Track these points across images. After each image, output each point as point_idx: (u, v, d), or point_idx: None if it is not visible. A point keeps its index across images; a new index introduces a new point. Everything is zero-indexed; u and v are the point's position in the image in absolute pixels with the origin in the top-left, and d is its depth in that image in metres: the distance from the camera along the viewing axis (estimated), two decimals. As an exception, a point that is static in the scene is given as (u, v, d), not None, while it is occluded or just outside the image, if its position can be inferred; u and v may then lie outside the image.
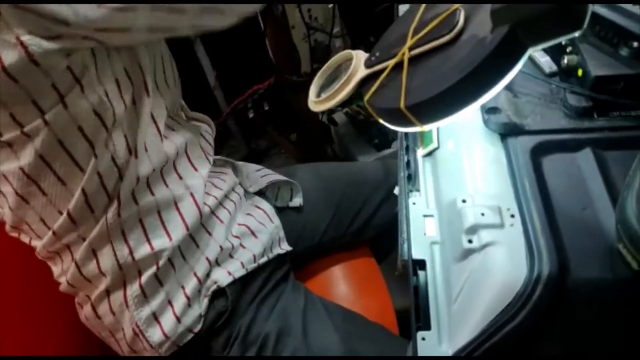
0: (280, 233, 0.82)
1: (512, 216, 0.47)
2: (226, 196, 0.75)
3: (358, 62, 0.48)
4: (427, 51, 0.42)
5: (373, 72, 0.47)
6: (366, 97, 0.46)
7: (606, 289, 0.41)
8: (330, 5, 1.36)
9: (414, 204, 0.56)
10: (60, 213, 0.56)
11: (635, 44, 0.51)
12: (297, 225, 0.89)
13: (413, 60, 0.43)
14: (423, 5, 0.48)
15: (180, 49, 1.69)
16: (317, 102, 0.51)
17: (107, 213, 0.57)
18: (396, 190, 0.60)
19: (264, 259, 0.74)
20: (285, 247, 0.81)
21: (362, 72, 0.48)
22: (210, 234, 0.69)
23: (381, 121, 0.46)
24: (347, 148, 1.63)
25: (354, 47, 1.47)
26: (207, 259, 0.67)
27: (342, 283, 0.94)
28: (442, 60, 0.40)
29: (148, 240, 0.61)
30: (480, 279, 0.45)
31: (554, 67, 0.57)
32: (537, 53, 0.59)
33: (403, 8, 0.83)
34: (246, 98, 1.78)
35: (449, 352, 0.44)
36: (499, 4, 0.36)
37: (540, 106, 0.54)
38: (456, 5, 0.42)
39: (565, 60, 0.55)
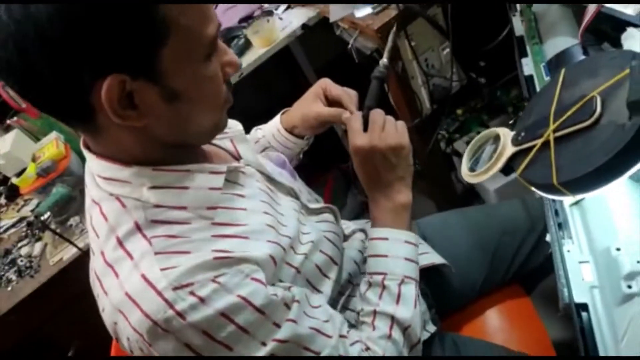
0: (425, 316, 0.86)
1: (668, 262, 0.52)
2: None
3: (506, 140, 0.58)
4: (570, 133, 0.50)
5: (521, 149, 0.56)
6: (518, 172, 0.56)
7: None
8: (447, 51, 1.46)
9: (568, 251, 0.63)
10: None
11: None
12: (452, 284, 0.96)
13: (557, 139, 0.52)
14: (559, 86, 0.56)
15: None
16: (472, 175, 0.61)
17: None
18: (548, 238, 0.67)
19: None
20: (430, 330, 0.86)
21: (510, 149, 0.57)
22: None
23: (533, 189, 0.55)
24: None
25: (469, 85, 1.54)
26: None
27: (498, 323, 0.99)
28: (585, 142, 0.49)
29: None
30: (644, 320, 0.51)
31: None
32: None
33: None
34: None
35: (623, 387, 0.50)
36: (635, 95, 0.44)
37: (683, 153, 0.59)
38: (593, 93, 0.50)
39: None
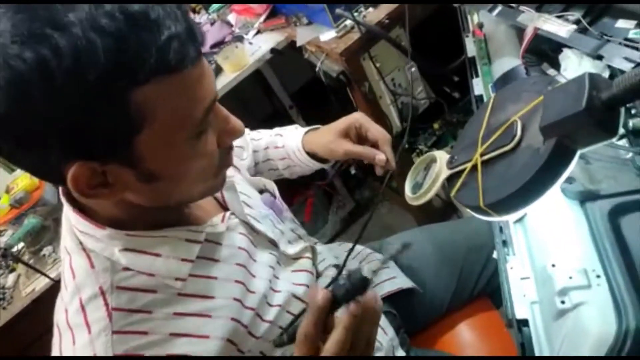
0: (394, 342, 0.86)
1: (598, 276, 0.54)
2: None
3: (441, 163, 0.60)
4: (495, 156, 0.53)
5: (454, 172, 0.58)
6: (452, 194, 0.58)
7: (693, 338, 0.47)
8: (413, 70, 1.49)
9: (511, 268, 0.65)
10: None
11: (694, 104, 0.57)
12: (420, 303, 0.97)
13: (485, 162, 0.54)
14: (488, 110, 0.59)
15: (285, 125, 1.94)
16: (412, 197, 0.63)
17: None
18: (495, 255, 0.69)
19: None
20: (400, 354, 0.86)
21: (445, 172, 0.59)
22: None
23: (467, 210, 0.57)
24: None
25: (437, 102, 1.57)
26: None
27: (467, 337, 1.00)
28: (508, 165, 0.51)
29: None
30: (576, 335, 0.52)
31: (622, 130, 0.64)
32: (604, 118, 0.66)
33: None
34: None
35: (558, 401, 0.52)
36: (546, 120, 0.46)
37: (612, 170, 0.61)
38: (514, 118, 0.52)
39: (631, 123, 0.62)
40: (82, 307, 0.56)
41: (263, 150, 0.97)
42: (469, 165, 0.55)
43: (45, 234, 1.30)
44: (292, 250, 0.78)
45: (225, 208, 0.72)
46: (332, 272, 0.90)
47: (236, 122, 0.59)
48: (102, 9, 0.43)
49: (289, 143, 0.91)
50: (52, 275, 1.23)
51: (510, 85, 0.61)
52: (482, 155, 0.54)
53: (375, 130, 0.81)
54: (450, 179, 0.59)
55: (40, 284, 1.25)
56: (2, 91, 0.42)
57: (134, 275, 0.58)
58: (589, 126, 0.43)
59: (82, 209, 0.58)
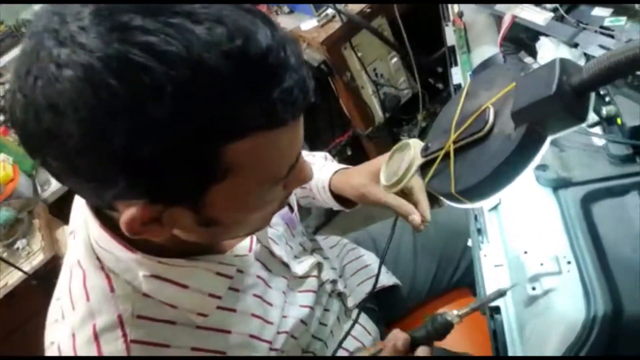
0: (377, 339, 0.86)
1: (569, 263, 0.54)
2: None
3: (415, 151, 0.60)
4: (468, 143, 0.52)
5: (428, 160, 0.58)
6: (425, 181, 0.57)
7: (660, 323, 0.47)
8: (394, 60, 1.48)
9: (485, 255, 0.65)
10: None
11: (666, 91, 0.57)
12: (399, 294, 0.96)
13: (458, 150, 0.54)
14: (462, 97, 0.58)
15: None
16: (387, 186, 0.63)
17: None
18: (469, 242, 0.69)
19: None
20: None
21: (419, 160, 0.59)
22: None
23: (441, 197, 0.57)
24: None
25: (422, 92, 1.57)
26: None
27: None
28: (480, 152, 0.50)
29: None
30: (546, 322, 0.53)
31: (596, 118, 0.64)
32: (578, 106, 0.66)
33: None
34: (331, 149, 1.94)
35: (528, 387, 0.52)
36: (517, 106, 0.46)
37: (585, 157, 0.61)
38: (487, 104, 0.52)
39: (604, 111, 0.62)
40: (96, 337, 0.50)
41: None
42: (441, 153, 0.55)
43: (19, 226, 1.27)
44: (301, 270, 0.75)
45: None
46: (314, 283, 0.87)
47: (309, 169, 0.53)
48: (219, 48, 0.36)
49: (316, 176, 0.82)
50: (26, 269, 1.21)
51: (484, 72, 0.60)
52: (455, 142, 0.54)
53: (418, 191, 0.72)
54: (425, 167, 0.59)
55: (14, 277, 1.22)
56: (88, 115, 0.36)
57: (156, 305, 0.52)
58: (559, 111, 0.43)
59: (110, 226, 0.51)
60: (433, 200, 1.65)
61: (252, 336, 0.61)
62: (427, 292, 1.00)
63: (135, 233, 0.43)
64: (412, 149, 0.60)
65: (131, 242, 0.51)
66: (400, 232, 1.05)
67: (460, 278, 1.01)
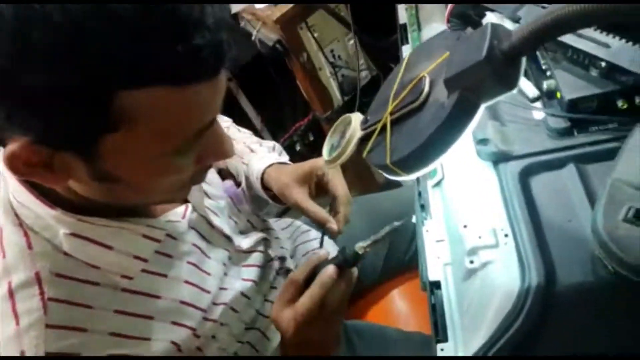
0: None
1: (506, 235, 0.54)
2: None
3: (355, 124, 0.58)
4: (405, 114, 0.51)
5: (367, 133, 0.56)
6: (364, 154, 0.56)
7: (590, 292, 0.48)
8: (352, 42, 1.47)
9: (427, 231, 0.64)
10: None
11: (603, 65, 0.57)
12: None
13: (396, 121, 0.52)
14: (402, 69, 0.57)
15: (225, 100, 1.88)
16: (327, 161, 0.61)
17: None
18: (413, 219, 0.69)
19: None
20: None
21: (359, 133, 0.57)
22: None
23: (380, 171, 0.55)
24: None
25: (378, 75, 1.56)
26: None
27: (399, 306, 1.01)
28: (415, 122, 0.49)
29: None
30: (483, 294, 0.52)
31: (537, 92, 0.64)
32: (521, 80, 0.66)
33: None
34: (291, 134, 1.91)
35: (465, 360, 0.52)
36: (449, 73, 0.45)
37: (525, 131, 0.61)
38: (423, 73, 0.51)
39: (545, 85, 0.62)
40: (11, 293, 0.49)
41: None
42: (378, 125, 0.54)
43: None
44: (245, 244, 0.74)
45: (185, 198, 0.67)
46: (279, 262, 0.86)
47: (229, 144, 0.52)
48: None
49: (254, 165, 0.82)
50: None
51: (424, 42, 0.59)
52: (392, 113, 0.52)
53: (337, 185, 0.72)
54: (365, 140, 0.58)
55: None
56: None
57: (77, 265, 0.52)
58: (489, 77, 0.42)
59: (29, 181, 0.50)
60: (396, 185, 1.66)
61: (183, 302, 0.60)
62: (379, 272, 1.00)
63: (18, 173, 0.42)
64: (353, 122, 0.59)
65: (51, 198, 0.50)
66: (355, 213, 1.04)
67: (413, 255, 1.01)
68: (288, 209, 2.22)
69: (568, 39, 0.60)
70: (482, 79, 0.43)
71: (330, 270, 0.60)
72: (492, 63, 0.41)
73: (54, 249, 0.51)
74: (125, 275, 0.55)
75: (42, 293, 0.49)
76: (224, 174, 0.83)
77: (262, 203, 0.83)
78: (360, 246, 0.62)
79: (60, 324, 0.50)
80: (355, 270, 0.63)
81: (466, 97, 0.44)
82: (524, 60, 0.43)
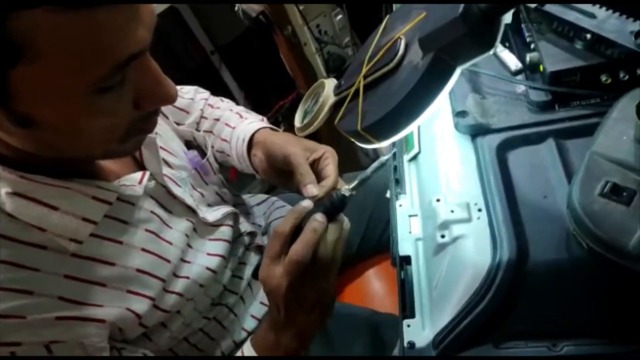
0: None
1: (480, 210, 0.52)
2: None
3: (328, 90, 0.55)
4: (378, 77, 0.48)
5: (340, 98, 0.53)
6: (336, 121, 0.53)
7: (562, 269, 0.46)
8: (340, 17, 1.43)
9: (400, 205, 0.62)
10: None
11: (588, 36, 0.55)
12: None
13: (369, 85, 0.50)
14: (379, 32, 0.54)
15: (208, 75, 1.82)
16: (299, 128, 0.58)
17: None
18: (388, 194, 0.66)
19: None
20: None
21: (332, 99, 0.55)
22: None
23: (352, 140, 0.53)
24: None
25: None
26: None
27: (375, 287, 0.99)
28: (388, 86, 0.46)
29: None
30: (453, 269, 0.50)
31: (520, 65, 0.61)
32: (503, 53, 0.63)
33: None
34: (275, 113, 1.87)
35: (431, 337, 0.50)
36: (424, 32, 0.42)
37: (506, 104, 0.59)
38: (398, 35, 0.48)
39: (528, 58, 0.60)
40: None
41: (212, 120, 0.84)
42: (351, 90, 0.51)
43: None
44: (212, 217, 0.71)
45: (142, 165, 0.63)
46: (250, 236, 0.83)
47: (167, 87, 0.48)
48: None
49: (242, 128, 0.78)
50: None
51: (401, 6, 0.56)
52: (365, 77, 0.50)
53: (332, 169, 0.66)
54: (338, 107, 0.55)
55: None
56: None
57: (22, 227, 0.49)
58: (465, 36, 0.39)
59: None
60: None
61: (140, 271, 0.58)
62: (355, 251, 0.98)
63: None
64: (327, 88, 0.56)
65: None
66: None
67: (387, 238, 0.99)
68: (273, 187, 2.20)
69: (553, 9, 0.58)
70: (457, 38, 0.40)
71: (319, 215, 0.55)
72: (468, 21, 0.39)
73: None
74: (73, 238, 0.52)
75: None
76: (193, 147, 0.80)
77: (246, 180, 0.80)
78: (347, 188, 0.58)
79: (3, 286, 0.47)
80: (345, 218, 0.58)
81: (441, 58, 0.42)
82: (503, 19, 0.41)
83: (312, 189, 0.61)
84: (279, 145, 0.69)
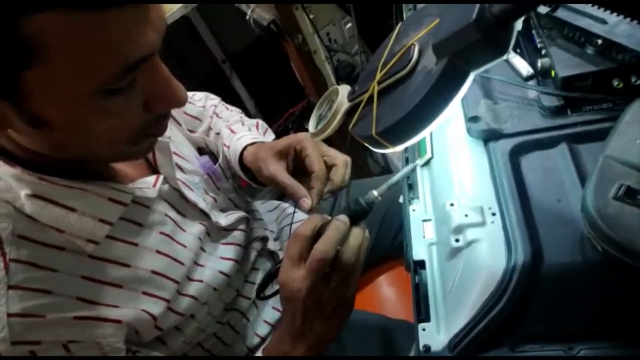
0: None
1: (494, 214, 0.53)
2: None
3: (342, 96, 0.56)
4: (392, 83, 0.49)
5: (354, 104, 0.54)
6: (350, 127, 0.54)
7: (577, 271, 0.46)
8: (349, 26, 1.44)
9: (413, 210, 0.62)
10: None
11: (599, 42, 0.55)
12: None
13: (383, 91, 0.50)
14: (392, 39, 0.55)
15: (219, 83, 1.84)
16: (313, 133, 0.59)
17: None
18: (400, 199, 0.67)
19: None
20: None
21: (346, 105, 0.55)
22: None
23: (367, 145, 0.53)
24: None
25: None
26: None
27: (386, 293, 1.00)
28: (402, 91, 0.47)
29: None
30: (468, 273, 0.51)
31: (531, 71, 0.62)
32: (515, 58, 0.64)
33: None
34: (285, 121, 1.89)
35: (446, 340, 0.50)
36: (438, 38, 0.43)
37: (518, 109, 0.59)
38: (412, 40, 0.49)
39: (539, 63, 0.60)
40: None
41: (214, 135, 0.86)
42: (365, 95, 0.52)
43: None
44: (225, 221, 0.72)
45: (155, 170, 0.64)
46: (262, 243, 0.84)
47: (177, 90, 0.48)
48: None
49: (233, 147, 0.79)
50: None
51: (415, 11, 0.57)
52: (379, 83, 0.50)
53: (314, 160, 0.67)
54: (352, 113, 0.55)
55: None
56: None
57: (41, 228, 0.50)
58: (479, 41, 0.40)
59: None
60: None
61: (155, 272, 0.59)
62: (367, 258, 0.98)
63: None
64: (340, 94, 0.57)
65: (10, 157, 0.49)
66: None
67: (402, 242, 0.99)
68: (283, 196, 2.21)
69: (564, 15, 0.59)
70: (470, 43, 0.41)
71: (342, 216, 0.54)
72: (482, 26, 0.39)
73: (16, 211, 0.49)
74: (90, 239, 0.53)
75: (3, 254, 0.48)
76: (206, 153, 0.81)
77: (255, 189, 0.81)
78: (374, 193, 0.56)
79: (22, 285, 0.48)
80: (365, 227, 0.56)
81: (454, 63, 0.43)
82: (516, 25, 0.41)
83: (306, 202, 0.64)
84: (263, 165, 0.71)
